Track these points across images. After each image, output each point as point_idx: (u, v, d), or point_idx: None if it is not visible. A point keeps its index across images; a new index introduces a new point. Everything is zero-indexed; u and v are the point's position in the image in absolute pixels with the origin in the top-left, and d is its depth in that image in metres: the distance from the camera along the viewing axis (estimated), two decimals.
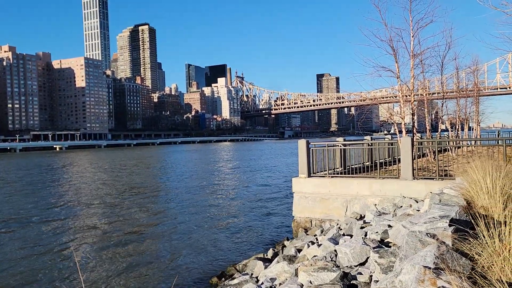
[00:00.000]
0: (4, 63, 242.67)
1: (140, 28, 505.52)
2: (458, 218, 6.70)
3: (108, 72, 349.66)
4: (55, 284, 12.63)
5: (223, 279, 11.88)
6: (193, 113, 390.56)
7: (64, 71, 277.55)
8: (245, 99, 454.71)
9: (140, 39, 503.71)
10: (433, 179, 13.21)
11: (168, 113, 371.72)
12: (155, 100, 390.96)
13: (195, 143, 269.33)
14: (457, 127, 27.67)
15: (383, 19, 16.99)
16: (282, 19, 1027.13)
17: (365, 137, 21.60)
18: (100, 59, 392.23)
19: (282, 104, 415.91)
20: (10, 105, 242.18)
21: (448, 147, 20.28)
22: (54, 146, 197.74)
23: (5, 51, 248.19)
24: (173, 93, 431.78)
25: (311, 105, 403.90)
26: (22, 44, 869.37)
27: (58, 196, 33.04)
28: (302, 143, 15.70)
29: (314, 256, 9.12)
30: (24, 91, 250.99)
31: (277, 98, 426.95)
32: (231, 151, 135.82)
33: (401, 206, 11.83)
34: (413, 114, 17.97)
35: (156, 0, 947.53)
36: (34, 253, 16.12)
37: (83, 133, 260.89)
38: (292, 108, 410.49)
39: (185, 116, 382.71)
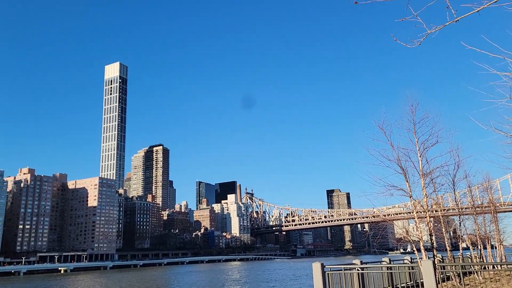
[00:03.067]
0: (22, 184, 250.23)
1: (154, 148, 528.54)
2: None
3: (121, 191, 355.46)
4: None
5: None
6: (202, 230, 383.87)
7: (78, 191, 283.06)
8: (255, 215, 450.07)
9: (154, 159, 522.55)
10: None
11: (177, 230, 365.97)
12: (165, 217, 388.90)
13: (203, 263, 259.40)
14: (478, 246, 26.33)
15: (389, 140, 17.56)
16: (291, 138, 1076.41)
17: (383, 258, 20.49)
18: (114, 178, 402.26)
19: (293, 220, 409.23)
20: (21, 226, 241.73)
21: (473, 270, 18.98)
22: (59, 269, 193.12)
23: (24, 173, 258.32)
24: (183, 210, 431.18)
25: (322, 221, 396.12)
26: (42, 164, 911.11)
27: None
28: (316, 267, 14.86)
29: None
30: (37, 212, 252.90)
31: (287, 214, 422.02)
32: (240, 272, 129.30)
33: None
34: (431, 235, 17.24)
35: (171, 123, 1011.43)
36: None
37: (90, 253, 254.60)
38: (303, 224, 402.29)
39: (194, 234, 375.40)
